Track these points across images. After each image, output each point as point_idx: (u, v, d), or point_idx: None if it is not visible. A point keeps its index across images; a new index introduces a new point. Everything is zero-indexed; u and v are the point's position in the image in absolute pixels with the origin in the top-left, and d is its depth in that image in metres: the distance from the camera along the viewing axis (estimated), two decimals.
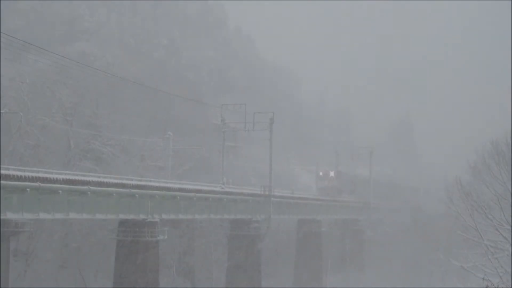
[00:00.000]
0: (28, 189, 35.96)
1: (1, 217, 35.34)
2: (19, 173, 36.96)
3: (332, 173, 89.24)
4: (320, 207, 77.30)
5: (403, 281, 76.70)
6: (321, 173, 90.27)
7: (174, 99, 74.49)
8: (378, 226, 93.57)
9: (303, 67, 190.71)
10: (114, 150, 64.56)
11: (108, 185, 42.63)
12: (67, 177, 40.57)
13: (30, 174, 37.73)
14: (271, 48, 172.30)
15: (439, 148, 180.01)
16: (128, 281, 45.62)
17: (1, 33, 52.09)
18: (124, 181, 45.77)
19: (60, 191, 38.05)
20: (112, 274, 49.25)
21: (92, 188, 40.50)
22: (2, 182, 34.40)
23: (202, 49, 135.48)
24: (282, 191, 69.99)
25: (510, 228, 37.74)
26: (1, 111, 55.78)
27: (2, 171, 35.63)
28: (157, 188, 47.49)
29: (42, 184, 36.88)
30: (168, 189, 48.70)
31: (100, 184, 42.03)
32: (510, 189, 38.33)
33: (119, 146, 65.31)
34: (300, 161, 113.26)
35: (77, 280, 57.24)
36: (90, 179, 42.02)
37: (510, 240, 37.74)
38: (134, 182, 46.57)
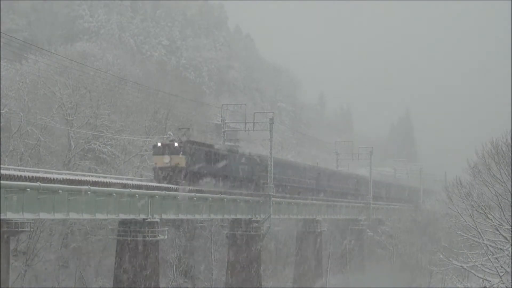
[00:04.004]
0: (28, 189, 35.97)
1: (1, 217, 35.35)
2: (19, 173, 36.97)
3: (176, 144, 52.98)
4: (320, 207, 77.30)
5: (403, 281, 76.72)
6: (159, 144, 53.66)
7: (174, 99, 74.51)
8: (378, 226, 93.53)
9: (303, 67, 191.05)
10: (114, 150, 64.59)
11: (108, 185, 42.67)
12: (67, 177, 40.60)
13: (30, 174, 37.73)
14: (271, 48, 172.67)
15: (439, 148, 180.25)
16: (128, 281, 45.64)
17: (1, 33, 52.13)
18: (124, 181, 45.80)
19: (60, 191, 38.06)
20: (112, 274, 49.30)
21: (92, 188, 40.52)
22: (2, 182, 34.39)
23: (202, 49, 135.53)
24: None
25: (510, 228, 37.71)
26: (1, 111, 55.85)
27: (2, 171, 35.65)
28: (157, 188, 47.53)
29: (42, 184, 36.89)
30: (168, 189, 48.72)
31: (100, 184, 42.05)
32: (510, 189, 38.27)
33: (119, 146, 65.34)
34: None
35: (77, 280, 57.27)
36: (90, 179, 42.04)
37: (510, 240, 37.71)
38: (134, 182, 46.62)
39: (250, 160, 63.83)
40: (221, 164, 57.96)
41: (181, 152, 52.65)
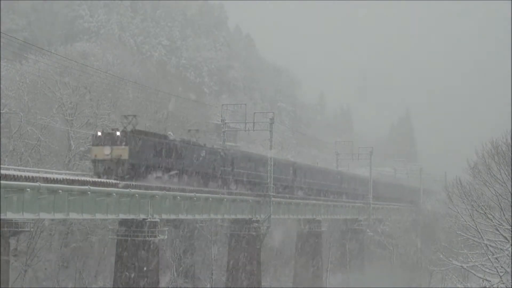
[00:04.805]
0: (28, 189, 35.97)
1: (1, 217, 35.34)
2: (19, 173, 36.98)
3: (118, 133, 46.33)
4: (320, 207, 77.27)
5: (403, 281, 76.72)
6: (99, 133, 47.13)
7: (174, 99, 74.53)
8: (378, 226, 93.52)
9: (303, 67, 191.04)
10: None
11: (108, 185, 42.65)
12: (67, 177, 40.58)
13: (30, 174, 37.73)
14: (271, 48, 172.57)
15: (439, 148, 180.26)
16: (128, 281, 45.63)
17: (1, 33, 52.13)
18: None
19: (60, 191, 38.05)
20: (112, 274, 49.29)
21: (92, 188, 40.51)
22: (2, 182, 34.39)
23: (202, 49, 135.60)
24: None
25: (510, 228, 37.72)
26: (1, 111, 55.87)
27: (2, 171, 35.64)
28: (157, 188, 47.52)
29: (42, 184, 36.88)
30: (168, 189, 48.71)
31: (100, 184, 42.03)
32: (510, 189, 38.28)
33: None
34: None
35: (77, 280, 57.28)
36: (90, 179, 42.00)
37: (510, 240, 37.72)
38: (134, 182, 46.57)
39: (212, 154, 57.12)
40: (175, 157, 51.33)
41: (124, 143, 46.00)
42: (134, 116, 50.81)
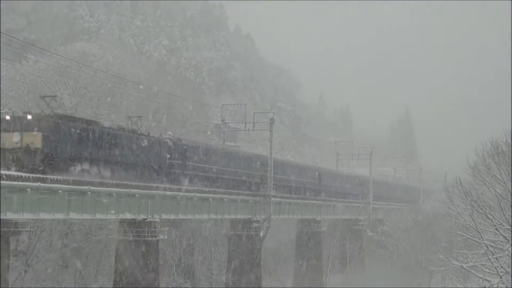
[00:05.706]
0: (28, 189, 35.96)
1: (1, 217, 35.32)
2: (19, 173, 36.93)
3: (30, 117, 38.92)
4: (320, 207, 77.23)
5: (403, 281, 76.70)
6: (7, 117, 39.25)
7: (174, 99, 74.54)
8: (378, 226, 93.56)
9: (303, 67, 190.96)
10: None
11: (108, 185, 42.63)
12: (67, 177, 40.53)
13: (30, 174, 37.69)
14: (271, 48, 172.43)
15: (439, 148, 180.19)
16: (128, 281, 45.62)
17: (1, 33, 52.14)
18: (124, 181, 45.74)
19: (60, 191, 38.03)
20: (112, 274, 49.28)
21: (92, 188, 40.48)
22: (2, 182, 34.37)
23: (202, 49, 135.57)
24: None
25: (510, 228, 37.75)
26: (1, 111, 55.85)
27: (2, 171, 35.63)
28: (157, 188, 47.52)
29: (42, 184, 36.86)
30: (168, 189, 48.72)
31: (100, 184, 42.01)
32: (510, 189, 38.31)
33: None
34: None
35: (77, 280, 57.26)
36: (90, 179, 41.99)
37: (510, 240, 37.74)
38: (134, 182, 46.54)
39: (157, 144, 50.11)
40: (107, 146, 44.17)
41: (37, 128, 38.51)
42: (54, 96, 44.96)
